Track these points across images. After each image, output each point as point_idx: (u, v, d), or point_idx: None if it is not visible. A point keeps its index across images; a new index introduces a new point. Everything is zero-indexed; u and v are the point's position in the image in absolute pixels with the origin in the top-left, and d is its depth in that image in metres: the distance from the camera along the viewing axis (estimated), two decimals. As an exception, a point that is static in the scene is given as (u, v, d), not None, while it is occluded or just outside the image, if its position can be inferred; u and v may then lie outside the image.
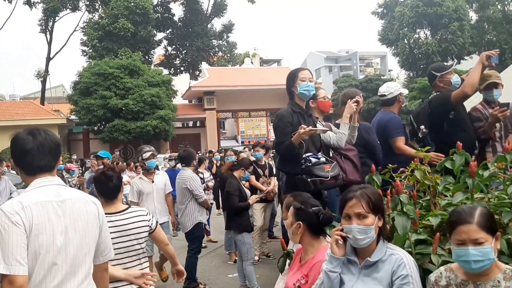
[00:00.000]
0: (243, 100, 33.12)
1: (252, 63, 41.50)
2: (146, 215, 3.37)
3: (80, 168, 13.55)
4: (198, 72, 38.28)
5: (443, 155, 4.23)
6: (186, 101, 37.01)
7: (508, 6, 37.60)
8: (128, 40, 31.48)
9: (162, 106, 27.91)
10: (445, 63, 4.61)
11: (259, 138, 34.59)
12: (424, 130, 4.45)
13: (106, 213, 2.46)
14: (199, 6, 38.35)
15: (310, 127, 3.59)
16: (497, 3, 37.04)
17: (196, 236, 6.38)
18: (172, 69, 39.95)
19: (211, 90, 32.58)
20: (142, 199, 6.12)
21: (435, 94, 4.57)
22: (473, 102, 4.83)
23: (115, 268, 3.00)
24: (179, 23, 38.98)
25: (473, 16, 38.24)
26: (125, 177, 8.80)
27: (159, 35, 37.51)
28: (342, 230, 2.42)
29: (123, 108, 27.10)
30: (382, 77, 34.62)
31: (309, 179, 3.64)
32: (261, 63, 45.63)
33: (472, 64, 3.53)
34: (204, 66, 36.22)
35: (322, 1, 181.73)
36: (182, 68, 40.45)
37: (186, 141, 30.56)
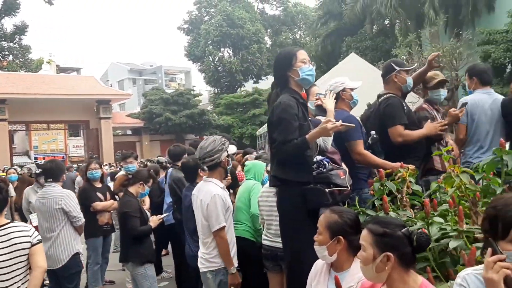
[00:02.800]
0: (39, 111, 29.23)
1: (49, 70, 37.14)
2: (29, 230, 3.08)
3: None
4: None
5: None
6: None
7: (295, 35, 41.93)
8: None
9: None
10: (404, 62, 4.21)
11: (55, 153, 30.86)
12: (374, 136, 3.95)
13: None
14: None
15: (341, 122, 2.71)
16: (287, 31, 40.96)
17: (74, 273, 4.71)
18: None
19: (1, 98, 27.83)
20: None
21: (386, 96, 4.11)
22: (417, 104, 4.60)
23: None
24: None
25: (268, 40, 41.44)
26: None
27: None
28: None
29: None
30: (192, 92, 34.58)
31: (327, 190, 2.73)
32: (58, 71, 41.18)
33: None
34: (-9, 70, 30.89)
35: (126, 11, 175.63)
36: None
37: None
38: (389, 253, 1.92)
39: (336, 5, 26.28)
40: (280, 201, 2.97)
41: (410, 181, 3.13)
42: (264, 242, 4.08)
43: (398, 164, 3.40)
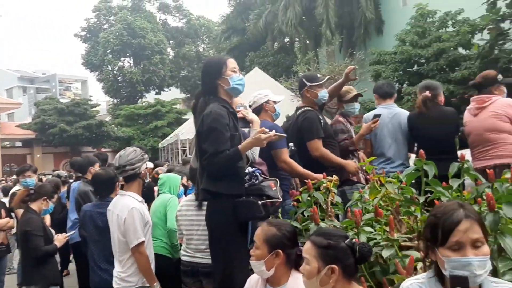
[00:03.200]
0: None
1: None
2: None
3: None
4: None
5: None
6: None
7: (198, 48, 41.86)
8: None
9: None
10: (318, 75, 4.29)
11: None
12: (292, 148, 4.00)
13: None
14: None
15: (274, 131, 2.64)
16: (190, 43, 40.75)
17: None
18: None
19: None
20: None
21: (303, 110, 4.18)
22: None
23: None
24: None
25: (170, 51, 40.87)
26: None
27: None
28: None
29: None
30: (89, 102, 32.75)
31: (260, 202, 2.65)
32: None
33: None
34: None
35: (17, 16, 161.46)
36: None
37: None
38: (333, 266, 1.88)
39: (239, 21, 26.74)
40: (211, 215, 2.83)
41: (334, 192, 3.18)
42: (183, 258, 3.89)
43: (320, 175, 3.44)
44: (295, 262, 2.25)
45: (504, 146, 3.67)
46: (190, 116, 27.91)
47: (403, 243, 2.51)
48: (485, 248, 1.65)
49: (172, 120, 29.91)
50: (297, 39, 24.28)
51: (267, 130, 2.78)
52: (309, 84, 4.11)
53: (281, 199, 2.87)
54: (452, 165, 2.74)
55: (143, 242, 3.31)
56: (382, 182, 2.83)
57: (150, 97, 37.23)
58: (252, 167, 2.88)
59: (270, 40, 23.83)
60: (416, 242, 2.55)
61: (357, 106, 4.52)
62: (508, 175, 2.57)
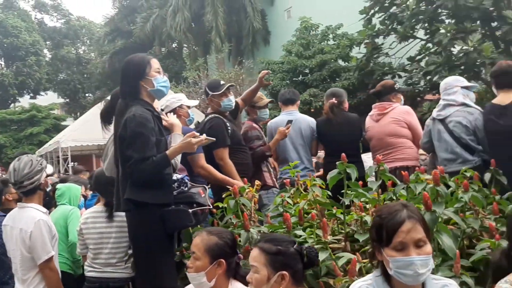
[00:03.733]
0: None
1: None
2: None
3: None
4: None
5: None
6: None
7: (79, 50, 39.45)
8: None
9: None
10: (222, 82, 4.21)
11: None
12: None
13: None
14: None
15: (205, 135, 2.49)
16: (70, 44, 38.22)
17: None
18: None
19: None
20: None
21: (210, 117, 4.09)
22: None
23: None
24: None
25: (47, 53, 37.95)
26: None
27: None
28: None
29: None
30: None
31: (190, 210, 2.49)
32: None
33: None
34: None
35: None
36: None
37: None
38: (284, 272, 1.83)
39: (125, 24, 25.75)
40: (136, 227, 2.59)
41: (256, 197, 3.14)
42: (89, 274, 3.55)
43: (239, 181, 3.38)
44: (234, 271, 2.16)
45: (403, 149, 3.97)
46: (69, 122, 26.10)
47: (330, 245, 2.54)
48: (428, 248, 1.72)
49: (49, 127, 27.66)
50: (185, 45, 24.09)
51: (197, 134, 2.65)
52: (211, 93, 4.03)
53: (211, 206, 2.76)
54: (369, 168, 2.86)
55: (52, 256, 2.97)
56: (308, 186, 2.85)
57: (24, 101, 34.06)
58: (180, 174, 2.72)
59: (157, 44, 23.32)
60: (343, 243, 2.60)
61: (268, 112, 4.56)
62: (427, 176, 2.74)
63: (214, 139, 3.11)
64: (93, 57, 32.53)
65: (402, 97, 4.33)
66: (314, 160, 4.81)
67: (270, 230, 2.77)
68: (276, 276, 1.84)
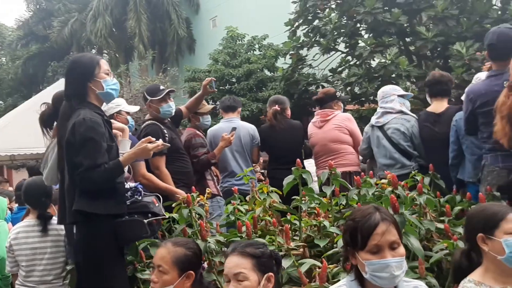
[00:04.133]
0: None
1: None
2: None
3: None
4: None
5: None
6: None
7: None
8: None
9: None
10: (161, 87, 4.05)
11: None
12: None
13: None
14: None
15: (161, 141, 2.33)
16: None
17: None
18: None
19: None
20: None
21: (146, 124, 3.92)
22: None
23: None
24: None
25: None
26: None
27: None
28: None
29: None
30: None
31: (145, 220, 2.32)
32: None
33: None
34: None
35: None
36: None
37: None
38: (270, 274, 1.78)
39: (41, 27, 24.21)
40: (85, 240, 2.36)
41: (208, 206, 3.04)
42: (21, 293, 3.24)
43: (182, 191, 3.26)
44: (199, 282, 2.04)
45: (346, 155, 4.06)
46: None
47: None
48: (401, 249, 1.74)
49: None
50: (106, 51, 23.15)
51: (153, 139, 2.49)
52: (150, 98, 3.86)
53: (166, 216, 2.61)
54: (322, 174, 2.88)
55: None
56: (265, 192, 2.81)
57: None
58: (139, 184, 2.54)
59: (76, 50, 22.15)
60: (301, 250, 2.58)
61: (209, 119, 4.46)
62: (372, 180, 2.81)
63: (169, 145, 2.97)
64: (4, 62, 30.15)
65: (342, 105, 4.44)
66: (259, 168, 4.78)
67: (226, 239, 2.68)
68: (265, 278, 1.78)
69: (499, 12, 9.53)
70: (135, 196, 2.45)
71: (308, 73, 12.67)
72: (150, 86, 4.36)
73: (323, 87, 12.52)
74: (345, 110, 12.60)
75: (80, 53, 2.67)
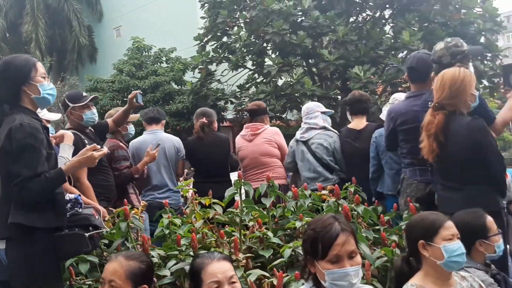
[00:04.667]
0: None
1: None
2: None
3: None
4: None
5: None
6: None
7: None
8: None
9: None
10: (84, 94, 3.83)
11: None
12: None
13: None
14: None
15: (106, 149, 2.16)
16: None
17: None
18: None
19: None
20: None
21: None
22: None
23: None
24: None
25: None
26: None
27: None
28: None
29: None
30: None
31: (87, 234, 2.13)
32: None
33: None
34: None
35: None
36: None
37: None
38: None
39: None
40: (21, 256, 2.09)
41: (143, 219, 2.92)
42: None
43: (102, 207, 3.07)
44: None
45: (275, 168, 4.12)
46: None
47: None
48: (358, 258, 1.81)
49: None
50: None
51: (99, 146, 2.31)
52: (72, 105, 3.62)
53: (107, 229, 2.43)
54: (261, 186, 2.91)
55: None
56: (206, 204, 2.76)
57: None
58: (77, 195, 2.33)
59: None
60: (244, 261, 2.57)
61: (134, 128, 4.29)
62: (307, 192, 2.90)
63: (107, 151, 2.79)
64: None
65: (268, 119, 4.53)
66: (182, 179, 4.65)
67: (166, 252, 2.59)
68: None
69: (392, 41, 10.45)
70: (75, 208, 2.25)
71: (217, 88, 12.77)
72: (72, 92, 4.07)
73: (231, 102, 12.72)
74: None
75: (13, 54, 2.40)
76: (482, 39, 10.62)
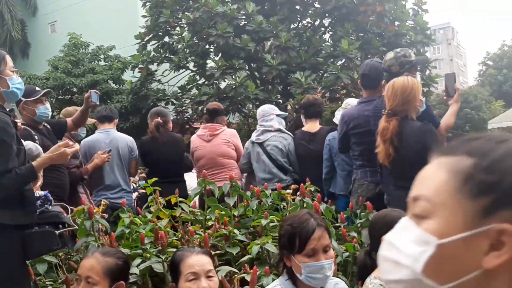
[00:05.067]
0: None
1: None
2: None
3: None
4: None
5: None
6: None
7: None
8: None
9: None
10: (37, 89, 3.69)
11: None
12: None
13: None
14: None
15: (78, 145, 2.09)
16: None
17: None
18: None
19: None
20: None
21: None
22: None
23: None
24: None
25: None
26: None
27: None
28: None
29: None
30: None
31: (57, 232, 2.06)
32: None
33: None
34: None
35: None
36: None
37: None
38: None
39: None
40: None
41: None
42: None
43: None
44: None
45: (232, 169, 4.14)
46: None
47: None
48: (331, 252, 1.91)
49: None
50: None
51: (71, 143, 2.24)
52: (24, 99, 3.48)
53: (77, 227, 2.35)
54: (224, 185, 2.96)
55: None
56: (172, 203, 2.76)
57: None
58: (46, 192, 2.24)
59: None
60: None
61: (85, 130, 4.17)
62: (268, 192, 2.99)
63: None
64: None
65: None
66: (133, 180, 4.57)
67: (131, 251, 2.56)
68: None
69: (331, 48, 10.84)
70: (45, 206, 2.17)
71: (158, 88, 12.56)
72: (26, 86, 3.88)
73: (172, 103, 12.56)
74: (191, 128, 12.69)
75: None
76: (414, 51, 11.32)
